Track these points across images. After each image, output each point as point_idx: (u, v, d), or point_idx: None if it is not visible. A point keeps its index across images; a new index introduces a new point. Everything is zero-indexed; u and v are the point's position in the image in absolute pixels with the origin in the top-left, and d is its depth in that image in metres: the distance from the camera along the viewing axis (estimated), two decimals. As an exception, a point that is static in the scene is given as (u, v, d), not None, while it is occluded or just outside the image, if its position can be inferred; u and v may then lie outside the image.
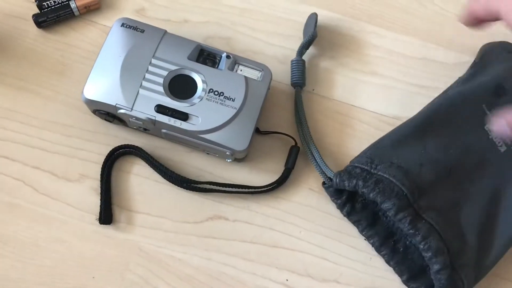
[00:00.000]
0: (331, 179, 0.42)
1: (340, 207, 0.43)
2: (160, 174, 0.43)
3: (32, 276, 0.41)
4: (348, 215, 0.43)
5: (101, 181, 0.43)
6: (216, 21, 0.48)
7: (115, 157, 0.44)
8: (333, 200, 0.43)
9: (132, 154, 0.44)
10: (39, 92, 0.45)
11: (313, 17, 0.47)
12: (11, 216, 0.42)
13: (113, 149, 0.43)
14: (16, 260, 0.41)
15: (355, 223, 0.43)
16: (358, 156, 0.42)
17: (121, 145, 0.44)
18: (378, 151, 0.41)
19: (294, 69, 0.46)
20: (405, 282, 0.41)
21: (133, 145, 0.44)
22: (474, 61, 0.47)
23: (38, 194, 0.43)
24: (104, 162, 0.43)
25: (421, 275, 0.41)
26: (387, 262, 0.42)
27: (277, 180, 0.43)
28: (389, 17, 0.49)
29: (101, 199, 0.42)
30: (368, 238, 0.42)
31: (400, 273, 0.41)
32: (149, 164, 0.43)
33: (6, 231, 0.42)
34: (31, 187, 0.43)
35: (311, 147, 0.44)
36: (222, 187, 0.43)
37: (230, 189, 0.43)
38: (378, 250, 0.42)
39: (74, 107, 0.45)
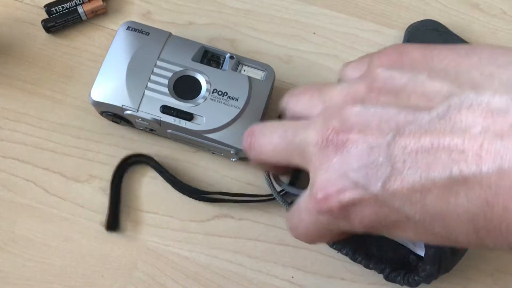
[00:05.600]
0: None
1: None
2: (170, 185, 0.44)
3: (43, 275, 0.42)
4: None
5: (110, 190, 0.43)
6: (220, 23, 0.49)
7: (126, 166, 0.44)
8: None
9: (143, 163, 0.44)
10: (49, 95, 0.46)
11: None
12: (23, 216, 0.43)
13: (124, 159, 0.44)
14: (27, 259, 0.42)
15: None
16: None
17: (132, 154, 0.44)
18: None
19: None
20: (386, 277, 0.40)
21: (144, 154, 0.44)
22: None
23: (49, 195, 0.44)
24: (114, 173, 0.43)
25: (403, 267, 0.40)
26: (366, 266, 0.41)
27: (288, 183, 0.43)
28: (391, 14, 0.50)
29: (109, 207, 0.43)
30: (339, 250, 0.41)
31: (382, 271, 0.40)
32: (160, 175, 0.44)
33: (17, 231, 0.43)
34: (42, 188, 0.44)
35: None
36: (232, 196, 0.43)
37: (241, 198, 0.43)
38: (353, 258, 0.41)
39: (83, 109, 0.46)
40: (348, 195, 0.23)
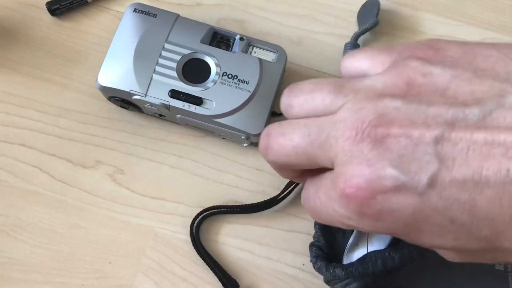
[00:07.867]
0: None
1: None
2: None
3: (50, 262, 0.41)
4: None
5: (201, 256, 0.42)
6: (229, 3, 0.47)
7: (200, 221, 0.42)
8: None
9: (216, 214, 0.43)
10: (54, 80, 0.45)
11: (375, 3, 0.45)
12: (29, 202, 0.43)
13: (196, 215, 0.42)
14: (34, 246, 0.42)
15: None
16: None
17: (204, 209, 0.42)
18: None
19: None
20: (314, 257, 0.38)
21: (215, 206, 0.42)
22: None
23: (55, 181, 0.43)
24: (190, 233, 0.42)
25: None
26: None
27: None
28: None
29: (217, 276, 0.41)
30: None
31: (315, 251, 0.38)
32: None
33: (24, 217, 0.42)
34: (48, 174, 0.43)
35: None
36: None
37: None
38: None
39: (89, 94, 0.45)
40: (386, 194, 0.20)
